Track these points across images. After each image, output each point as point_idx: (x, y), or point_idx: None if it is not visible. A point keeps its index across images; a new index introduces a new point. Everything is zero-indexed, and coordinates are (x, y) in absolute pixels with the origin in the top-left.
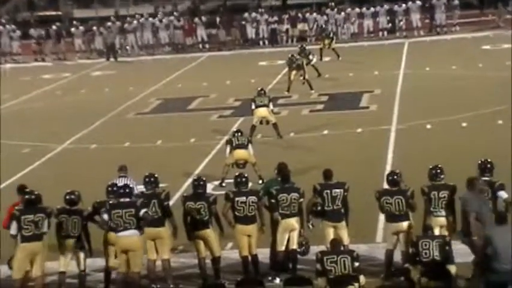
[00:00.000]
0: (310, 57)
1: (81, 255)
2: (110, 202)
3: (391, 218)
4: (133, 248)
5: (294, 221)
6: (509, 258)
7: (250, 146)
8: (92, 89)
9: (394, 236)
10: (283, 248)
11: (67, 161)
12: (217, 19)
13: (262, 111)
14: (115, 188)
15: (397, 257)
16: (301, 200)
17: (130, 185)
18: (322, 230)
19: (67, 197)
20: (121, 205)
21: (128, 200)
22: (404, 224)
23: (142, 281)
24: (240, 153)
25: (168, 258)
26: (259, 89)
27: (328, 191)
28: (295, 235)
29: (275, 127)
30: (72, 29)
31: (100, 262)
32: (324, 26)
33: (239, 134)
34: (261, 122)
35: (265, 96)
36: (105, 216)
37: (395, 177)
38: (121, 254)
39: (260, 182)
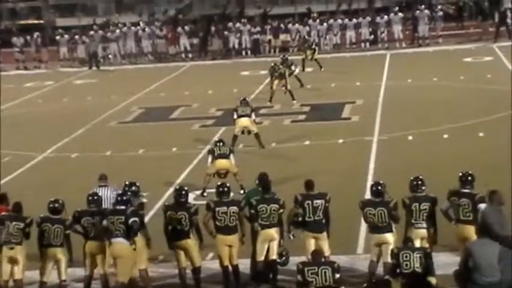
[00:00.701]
0: (293, 67)
1: (63, 264)
2: (110, 209)
3: (374, 229)
4: (121, 255)
5: (273, 231)
6: (490, 270)
7: (232, 155)
8: (74, 97)
9: (377, 247)
10: (262, 258)
11: (48, 169)
12: (212, 28)
13: (244, 121)
14: (95, 197)
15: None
16: (281, 210)
17: (111, 194)
18: (303, 240)
19: (50, 206)
20: (114, 212)
21: (122, 207)
22: (387, 236)
23: None
24: (221, 163)
25: (145, 268)
26: (241, 98)
27: (310, 202)
28: (274, 245)
29: (257, 137)
30: (57, 37)
31: (80, 272)
32: (306, 36)
33: (221, 143)
34: (242, 132)
35: (247, 106)
36: (105, 223)
37: (379, 188)
38: (114, 259)
39: (242, 191)
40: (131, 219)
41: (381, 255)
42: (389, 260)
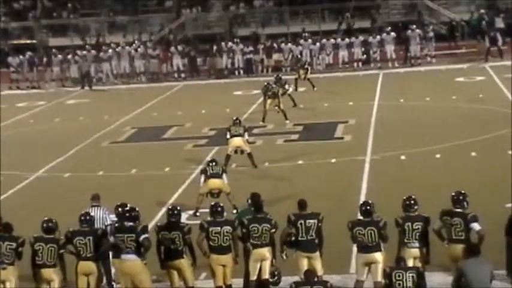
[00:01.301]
0: (286, 86)
1: (56, 285)
2: (115, 225)
3: (364, 248)
4: (136, 272)
5: (265, 251)
6: None
7: (224, 175)
8: (66, 117)
9: (365, 266)
10: (255, 278)
11: (41, 189)
12: (214, 47)
13: (237, 141)
14: (88, 217)
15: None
16: (273, 230)
17: (104, 215)
18: (296, 260)
19: (44, 225)
20: (124, 229)
21: (130, 224)
22: (377, 255)
23: None
24: (214, 182)
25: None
26: (234, 118)
27: (302, 221)
28: (267, 265)
29: (250, 157)
30: (51, 57)
31: None
32: (299, 56)
33: (214, 163)
34: (235, 152)
35: (240, 125)
36: (112, 240)
37: (368, 207)
38: (123, 277)
39: (234, 211)
40: (142, 237)
41: (371, 275)
42: (379, 279)
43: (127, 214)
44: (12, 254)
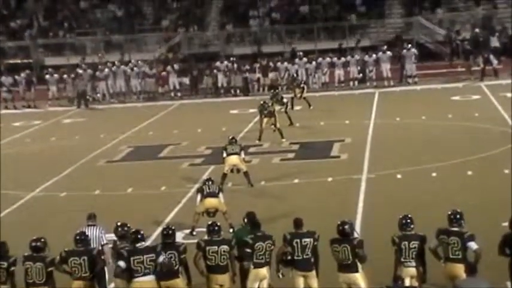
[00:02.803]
0: (284, 100)
1: None
2: (127, 249)
3: (341, 267)
4: None
5: (265, 271)
6: None
7: (221, 194)
8: (62, 136)
9: (347, 286)
10: None
11: (36, 209)
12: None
13: (233, 159)
14: (83, 237)
15: None
16: (273, 247)
17: (100, 234)
18: (292, 279)
19: (32, 244)
20: (141, 251)
21: (146, 245)
22: (354, 276)
23: None
24: (210, 201)
25: None
26: (230, 137)
27: (298, 240)
28: (265, 284)
29: (246, 176)
30: (47, 76)
31: None
32: (295, 75)
33: (210, 182)
34: (232, 170)
35: (236, 144)
36: (122, 264)
37: (344, 227)
38: None
39: (231, 230)
40: (161, 257)
41: None
42: None
43: (139, 236)
44: (3, 274)
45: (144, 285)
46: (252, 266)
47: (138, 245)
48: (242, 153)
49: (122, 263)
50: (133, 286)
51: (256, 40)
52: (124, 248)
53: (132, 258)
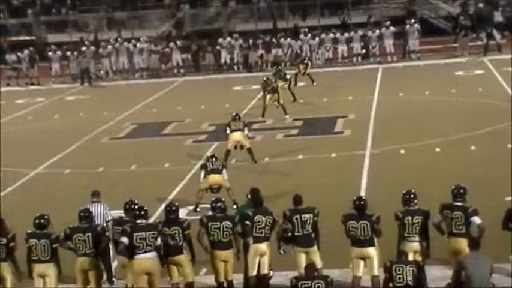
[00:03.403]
0: (287, 76)
1: (52, 280)
2: (130, 225)
3: (357, 242)
4: (154, 270)
5: (265, 246)
6: (483, 283)
7: (224, 170)
8: (65, 113)
9: (360, 261)
10: (254, 273)
11: (40, 186)
12: (250, 41)
13: (237, 136)
14: (87, 214)
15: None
16: (273, 223)
17: (104, 210)
18: (294, 256)
19: (36, 221)
20: (143, 228)
21: (148, 222)
22: (370, 250)
23: None
24: (214, 178)
25: (193, 282)
26: (234, 114)
27: (298, 217)
28: (266, 260)
29: (249, 152)
30: (50, 53)
31: None
32: (298, 51)
33: (214, 158)
34: (235, 147)
35: (240, 121)
36: (125, 240)
37: (361, 202)
38: (141, 276)
39: (234, 207)
40: (160, 236)
41: (366, 269)
42: (376, 273)
43: (143, 212)
44: (3, 250)
45: (145, 262)
46: (251, 241)
47: (139, 221)
48: (246, 129)
49: (124, 239)
50: (134, 263)
51: (272, 15)
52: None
53: (135, 235)
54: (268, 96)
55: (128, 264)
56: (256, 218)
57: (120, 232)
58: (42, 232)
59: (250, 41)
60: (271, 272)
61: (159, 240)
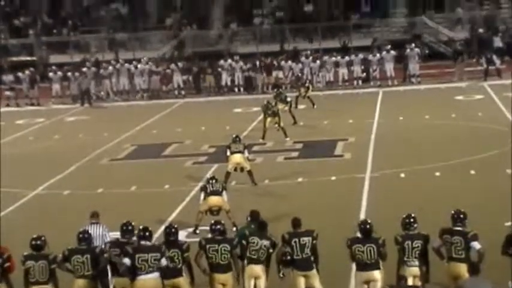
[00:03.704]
0: (288, 99)
1: None
2: (133, 246)
3: (363, 266)
4: None
5: (259, 269)
6: None
7: (224, 192)
8: (65, 134)
9: (365, 285)
10: None
11: (39, 207)
12: (257, 63)
13: (237, 158)
14: (86, 235)
15: None
16: (271, 250)
17: (103, 232)
18: (293, 279)
19: (33, 242)
20: (146, 249)
21: (150, 244)
22: (375, 273)
23: None
24: (214, 200)
25: None
26: (234, 136)
27: (297, 240)
28: (262, 283)
29: (250, 174)
30: (51, 74)
31: None
32: (299, 74)
33: (214, 180)
34: (235, 169)
35: (240, 143)
36: (127, 261)
37: (367, 226)
38: None
39: (234, 229)
40: (164, 258)
41: None
42: None
43: (147, 234)
44: None
45: (147, 283)
46: (245, 262)
47: (142, 242)
48: (246, 151)
49: (127, 260)
50: (136, 284)
51: (282, 37)
52: (127, 244)
53: (137, 256)
54: (268, 119)
55: (129, 286)
56: (251, 238)
57: (123, 253)
58: (39, 253)
59: (257, 63)
60: None
61: (163, 261)
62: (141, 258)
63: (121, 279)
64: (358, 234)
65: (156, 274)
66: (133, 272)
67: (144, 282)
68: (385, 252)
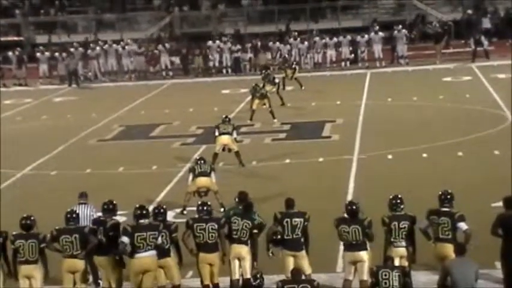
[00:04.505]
0: (276, 81)
1: (38, 282)
2: (132, 225)
3: (349, 246)
4: (152, 268)
5: (241, 249)
6: None
7: (213, 173)
8: (53, 115)
9: (352, 265)
10: (235, 277)
11: (27, 187)
12: (258, 43)
13: (224, 139)
14: (74, 215)
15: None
16: (255, 231)
17: (91, 212)
18: (282, 259)
19: (22, 222)
20: (144, 228)
21: (147, 222)
22: (362, 254)
23: None
24: (202, 180)
25: (179, 284)
26: (224, 116)
27: (288, 220)
28: (246, 265)
29: (237, 155)
30: (38, 54)
31: None
32: (286, 55)
33: (202, 161)
34: (223, 150)
35: (229, 124)
36: (126, 239)
37: (353, 207)
38: (139, 275)
39: (222, 210)
40: (160, 237)
41: (357, 273)
42: (365, 278)
43: (144, 212)
44: None
45: (144, 260)
46: (228, 242)
47: (141, 221)
48: (234, 133)
49: (125, 239)
50: (134, 261)
51: (286, 19)
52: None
53: (136, 235)
54: (256, 101)
55: (108, 264)
56: (233, 218)
57: (122, 232)
58: (29, 233)
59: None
60: (262, 279)
61: (159, 239)
62: (140, 237)
63: (101, 257)
64: (345, 215)
65: (152, 252)
66: (131, 250)
67: (141, 260)
68: (371, 233)
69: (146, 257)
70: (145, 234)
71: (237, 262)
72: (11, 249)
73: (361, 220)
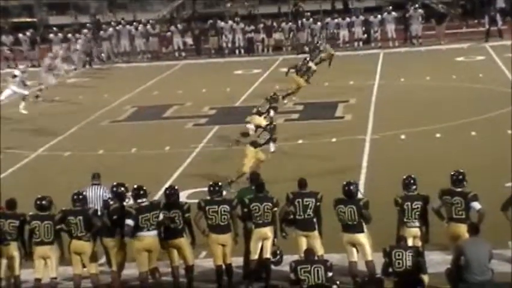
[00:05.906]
0: (310, 64)
1: (53, 262)
2: (135, 207)
3: (345, 227)
4: (154, 247)
5: (267, 230)
6: (481, 269)
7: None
8: (66, 96)
9: (352, 247)
10: (256, 257)
11: (40, 168)
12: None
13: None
14: (80, 196)
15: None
16: (275, 209)
17: (104, 193)
18: (295, 239)
19: (38, 203)
20: (147, 209)
21: (148, 203)
22: (359, 236)
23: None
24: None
25: (192, 265)
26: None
27: (300, 200)
28: (268, 244)
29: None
30: (51, 36)
31: (71, 271)
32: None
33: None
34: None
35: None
36: (130, 222)
37: (350, 187)
38: (142, 253)
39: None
40: (161, 214)
41: (360, 255)
42: (369, 258)
43: (141, 192)
44: (15, 232)
45: (146, 239)
46: (253, 226)
47: (139, 200)
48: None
49: (130, 221)
50: (136, 240)
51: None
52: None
53: (140, 217)
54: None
55: (115, 245)
56: (252, 205)
57: (126, 215)
58: (45, 214)
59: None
60: (281, 257)
61: (161, 216)
62: (144, 218)
63: (108, 238)
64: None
65: (154, 232)
66: (134, 231)
67: (143, 238)
68: (366, 213)
69: (149, 236)
70: (148, 215)
71: (259, 244)
72: (27, 230)
73: (358, 200)
